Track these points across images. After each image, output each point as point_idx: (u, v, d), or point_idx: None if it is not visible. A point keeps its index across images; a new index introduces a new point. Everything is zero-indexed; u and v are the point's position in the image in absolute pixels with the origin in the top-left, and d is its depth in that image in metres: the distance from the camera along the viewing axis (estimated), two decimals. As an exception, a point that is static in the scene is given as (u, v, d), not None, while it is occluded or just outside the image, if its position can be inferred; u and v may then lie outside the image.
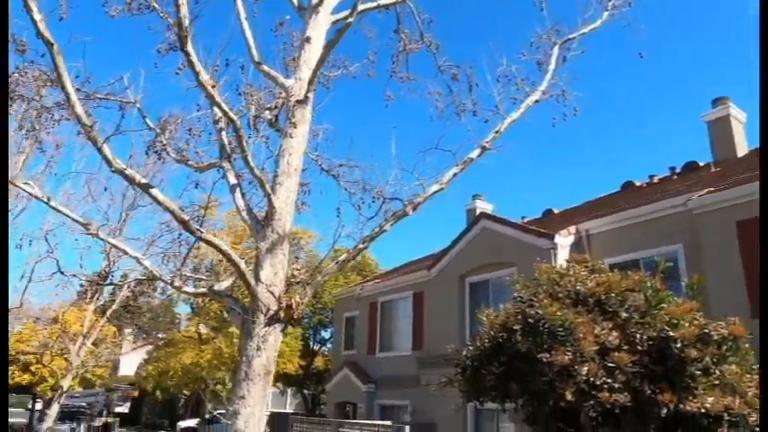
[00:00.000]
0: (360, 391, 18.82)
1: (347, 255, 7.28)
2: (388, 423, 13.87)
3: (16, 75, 7.11)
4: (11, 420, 40.51)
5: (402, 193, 7.59)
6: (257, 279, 6.84)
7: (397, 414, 17.32)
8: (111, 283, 11.83)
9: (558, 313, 6.99)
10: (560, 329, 6.89)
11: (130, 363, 43.27)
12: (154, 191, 6.37)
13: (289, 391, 36.15)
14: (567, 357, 6.64)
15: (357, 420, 16.66)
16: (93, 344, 23.93)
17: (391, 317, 19.35)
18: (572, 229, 13.51)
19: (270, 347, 6.73)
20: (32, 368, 32.72)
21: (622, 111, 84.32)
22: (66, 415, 24.74)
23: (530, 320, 7.16)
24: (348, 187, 8.56)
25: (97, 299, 23.50)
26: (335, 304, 23.94)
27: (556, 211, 18.93)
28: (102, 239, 7.82)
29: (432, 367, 15.66)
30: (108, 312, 23.52)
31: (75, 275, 9.05)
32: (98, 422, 25.15)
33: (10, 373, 32.39)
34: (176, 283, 7.78)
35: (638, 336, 7.00)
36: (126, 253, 8.02)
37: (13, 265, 23.74)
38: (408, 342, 18.01)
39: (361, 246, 7.24)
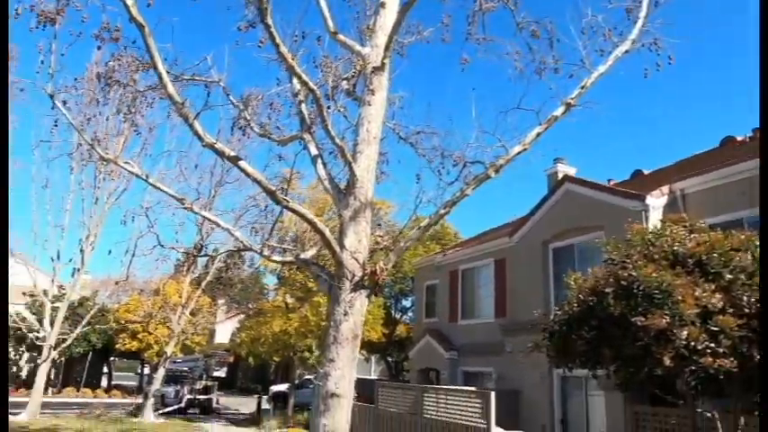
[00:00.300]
0: (442, 358, 19.00)
1: (429, 220, 7.27)
2: (473, 389, 13.93)
3: (112, 63, 7.53)
4: (126, 383, 44.59)
5: (483, 156, 7.44)
6: (342, 246, 7.00)
7: (480, 381, 17.35)
8: (205, 255, 12.51)
9: (654, 275, 6.64)
10: (656, 292, 6.56)
11: (224, 331, 46.07)
12: (242, 163, 6.63)
13: (372, 358, 37.16)
14: (664, 321, 6.32)
15: (441, 386, 16.84)
16: (191, 313, 25.63)
17: (472, 284, 19.26)
18: (665, 189, 12.70)
19: (356, 312, 6.91)
20: (139, 336, 35.64)
21: (722, 59, 77.61)
22: (171, 378, 26.77)
23: (623, 283, 6.86)
24: (426, 154, 8.49)
25: (192, 272, 25.06)
26: (416, 273, 24.12)
27: (645, 172, 17.87)
28: (196, 213, 8.27)
29: (516, 334, 15.50)
30: (203, 284, 25.04)
31: (173, 248, 9.66)
32: (199, 385, 27.04)
33: (120, 340, 35.49)
34: (265, 252, 8.12)
35: (744, 298, 6.54)
36: (218, 225, 8.45)
37: (119, 241, 25.78)
38: (491, 309, 17.88)
39: (443, 211, 7.20)
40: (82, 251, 21.42)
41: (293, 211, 6.97)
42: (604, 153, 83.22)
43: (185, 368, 27.49)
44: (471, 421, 11.88)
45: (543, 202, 16.03)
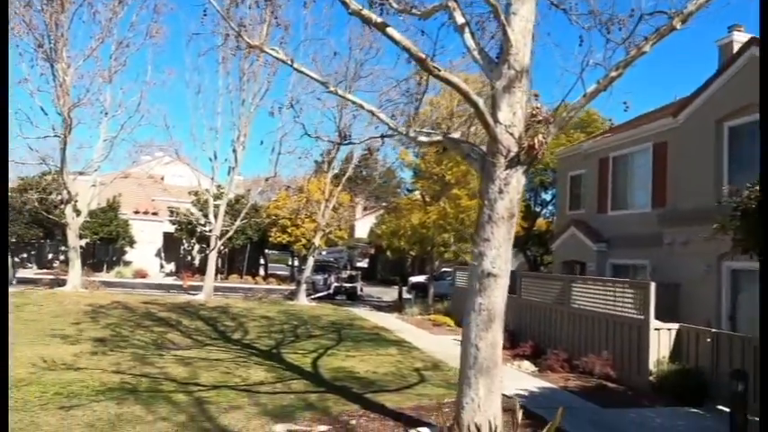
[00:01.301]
0: (589, 250, 18.13)
1: (597, 85, 6.39)
2: (628, 280, 13.13)
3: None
4: (279, 272, 49.47)
5: (664, 5, 6.23)
6: (495, 120, 6.45)
7: (632, 273, 16.36)
8: (349, 143, 12.61)
9: None
10: None
11: (364, 226, 48.48)
12: (390, 30, 6.19)
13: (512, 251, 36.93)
14: None
15: (591, 276, 16.18)
16: (333, 209, 27.04)
17: (625, 172, 17.68)
18: None
19: (512, 190, 6.46)
20: (288, 230, 38.73)
21: None
22: (319, 267, 28.93)
23: None
24: (581, 21, 7.35)
25: (332, 168, 26.04)
26: (558, 164, 22.77)
27: None
28: (339, 95, 8.10)
29: (676, 224, 14.14)
30: (342, 179, 26.05)
31: (318, 137, 9.81)
32: (344, 274, 28.96)
33: (272, 234, 38.87)
34: (411, 134, 7.84)
35: None
36: (362, 107, 8.22)
37: (267, 135, 27.55)
38: (646, 198, 16.40)
39: (614, 74, 6.26)
40: (234, 151, 23.02)
41: (444, 80, 6.49)
42: (787, 21, 70.01)
43: (331, 258, 29.47)
44: (626, 313, 11.26)
45: (717, 75, 13.79)
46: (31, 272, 31.52)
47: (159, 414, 7.13)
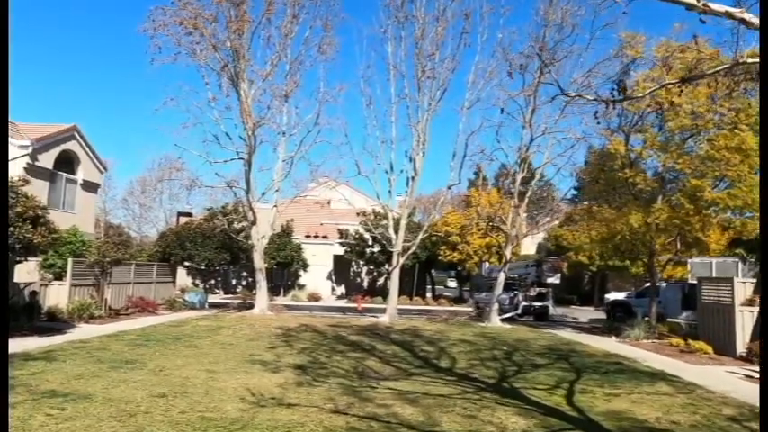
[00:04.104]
0: None
1: None
2: None
3: None
4: (444, 293, 47.23)
5: None
6: None
7: None
8: (629, 98, 9.86)
9: None
10: None
11: (529, 243, 44.53)
12: None
13: None
14: None
15: None
16: (503, 222, 24.24)
17: None
18: None
19: None
20: (458, 247, 36.44)
21: None
22: (503, 285, 25.94)
23: None
24: None
25: (522, 168, 23.19)
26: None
27: None
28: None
29: None
30: (519, 199, 23.13)
31: (578, 95, 7.17)
32: (533, 292, 25.73)
33: (441, 252, 36.84)
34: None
35: None
36: None
37: (445, 143, 25.91)
38: None
39: None
40: (412, 159, 21.34)
41: None
42: None
43: (515, 275, 26.39)
44: None
45: None
46: (218, 297, 32.88)
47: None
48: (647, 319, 19.69)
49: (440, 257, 38.37)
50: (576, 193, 33.41)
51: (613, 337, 17.92)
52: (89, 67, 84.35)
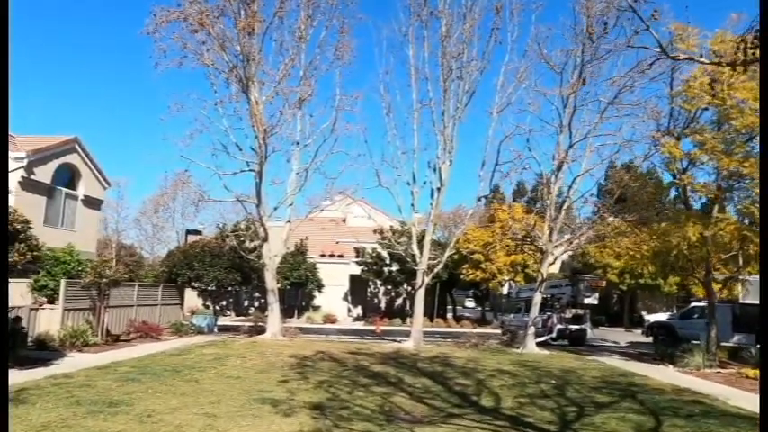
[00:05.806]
0: None
1: None
2: None
3: None
4: (464, 314, 45.17)
5: None
6: None
7: None
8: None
9: None
10: None
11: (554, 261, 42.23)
12: None
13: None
14: None
15: None
16: (529, 238, 22.32)
17: None
18: None
19: None
20: (482, 265, 34.38)
21: None
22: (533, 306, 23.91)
23: None
24: None
25: (557, 178, 21.33)
26: None
27: None
28: None
29: None
30: (556, 211, 21.24)
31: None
32: (568, 313, 23.63)
33: (464, 271, 34.86)
34: None
35: None
36: None
37: (473, 150, 24.10)
38: None
39: None
40: (437, 169, 19.56)
41: None
42: None
43: (548, 296, 24.31)
44: None
45: None
46: (229, 319, 31.12)
47: None
48: (696, 343, 17.62)
49: (462, 276, 36.31)
50: (594, 209, 31.39)
51: (670, 366, 15.83)
52: (103, 84, 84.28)
